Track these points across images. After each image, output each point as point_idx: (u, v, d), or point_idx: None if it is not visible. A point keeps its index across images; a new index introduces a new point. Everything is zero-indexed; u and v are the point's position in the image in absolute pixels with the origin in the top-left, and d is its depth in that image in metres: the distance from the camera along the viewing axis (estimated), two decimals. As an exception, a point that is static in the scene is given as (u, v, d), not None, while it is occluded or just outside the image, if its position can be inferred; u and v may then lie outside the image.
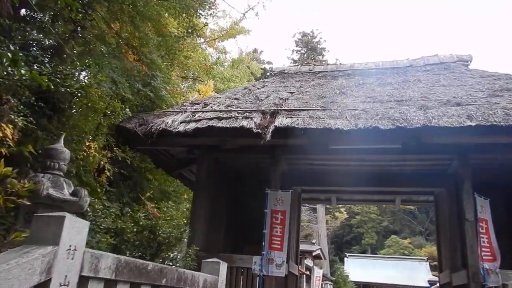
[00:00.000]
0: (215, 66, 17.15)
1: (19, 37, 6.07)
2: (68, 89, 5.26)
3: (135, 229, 4.95)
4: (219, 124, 7.51)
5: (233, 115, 7.76)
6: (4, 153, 4.45)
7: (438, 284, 13.04)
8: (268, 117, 7.60)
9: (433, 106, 7.21)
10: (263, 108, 8.03)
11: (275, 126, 7.15)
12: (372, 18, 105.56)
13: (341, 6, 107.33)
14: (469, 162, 7.42)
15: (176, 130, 7.67)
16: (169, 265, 4.76)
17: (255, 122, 7.36)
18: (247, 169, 9.54)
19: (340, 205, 39.45)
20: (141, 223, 5.00)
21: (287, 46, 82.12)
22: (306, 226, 32.78)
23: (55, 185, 3.66)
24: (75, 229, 2.47)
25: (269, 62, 40.78)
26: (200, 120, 7.82)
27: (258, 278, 7.46)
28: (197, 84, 15.43)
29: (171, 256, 5.18)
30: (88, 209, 4.43)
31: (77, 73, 6.53)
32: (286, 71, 12.05)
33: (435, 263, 22.80)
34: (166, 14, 9.26)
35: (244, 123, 7.37)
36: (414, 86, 8.93)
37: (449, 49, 74.50)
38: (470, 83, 8.61)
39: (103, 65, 6.89)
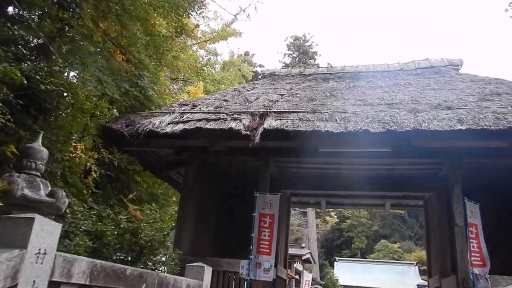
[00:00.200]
0: (205, 67, 17.03)
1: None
2: (48, 87, 5.09)
3: (115, 232, 4.79)
4: (207, 126, 7.40)
5: (221, 117, 7.65)
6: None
7: (427, 289, 12.97)
8: (257, 119, 7.51)
9: (424, 110, 7.16)
10: (252, 110, 7.94)
11: (264, 128, 7.05)
12: (364, 21, 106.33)
13: (333, 8, 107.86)
14: (459, 167, 7.37)
15: (164, 131, 7.54)
16: (152, 269, 4.62)
17: (244, 124, 7.26)
18: (236, 172, 9.41)
19: (330, 209, 39.50)
20: (122, 225, 4.84)
21: (279, 50, 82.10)
22: (296, 230, 32.72)
23: (31, 185, 3.51)
24: (45, 232, 2.33)
25: (261, 65, 40.82)
26: (188, 121, 7.70)
27: (245, 282, 7.33)
28: (187, 86, 15.29)
29: (154, 260, 5.03)
30: (67, 210, 4.27)
31: (61, 71, 6.35)
32: (276, 73, 11.96)
33: (424, 267, 22.85)
34: (155, 14, 9.13)
35: (233, 124, 7.26)
36: (404, 90, 8.88)
37: (440, 53, 74.98)
38: (461, 87, 8.58)
39: (88, 63, 6.74)
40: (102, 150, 8.43)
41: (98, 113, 8.63)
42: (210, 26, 17.60)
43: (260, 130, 7.03)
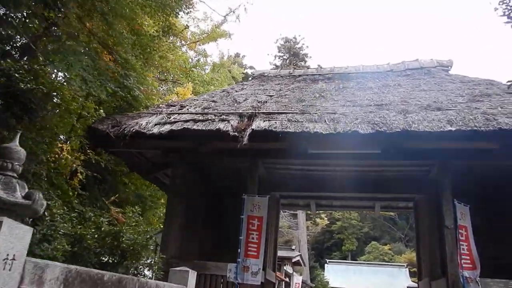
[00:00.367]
0: (195, 69, 16.88)
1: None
2: (28, 85, 4.93)
3: (96, 235, 4.64)
4: (195, 127, 7.29)
5: (209, 118, 7.55)
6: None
7: (417, 291, 12.93)
8: (246, 120, 7.42)
9: (413, 111, 7.10)
10: (240, 111, 7.84)
11: (252, 129, 6.96)
12: (356, 22, 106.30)
13: (326, 9, 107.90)
14: (449, 168, 7.33)
15: (150, 132, 7.42)
16: (134, 274, 4.48)
17: (232, 125, 7.16)
18: (224, 174, 9.28)
19: (321, 211, 39.43)
20: (103, 228, 4.69)
21: (269, 51, 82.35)
22: (286, 232, 32.59)
23: (6, 187, 3.34)
24: (14, 236, 2.21)
25: (251, 67, 40.63)
26: (175, 122, 7.58)
27: (234, 286, 7.22)
28: (176, 87, 15.14)
29: (138, 264, 4.87)
30: (46, 213, 4.12)
31: (44, 70, 6.18)
32: (266, 74, 11.87)
33: (415, 269, 22.81)
34: (142, 13, 8.98)
35: (221, 125, 7.16)
36: (394, 91, 8.83)
37: (431, 53, 75.42)
38: (451, 88, 8.55)
39: (73, 62, 6.57)
40: (89, 151, 8.28)
41: (85, 113, 8.46)
42: (200, 27, 17.48)
43: (249, 131, 6.94)
